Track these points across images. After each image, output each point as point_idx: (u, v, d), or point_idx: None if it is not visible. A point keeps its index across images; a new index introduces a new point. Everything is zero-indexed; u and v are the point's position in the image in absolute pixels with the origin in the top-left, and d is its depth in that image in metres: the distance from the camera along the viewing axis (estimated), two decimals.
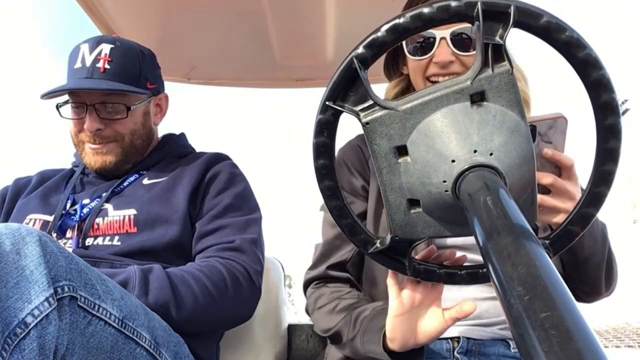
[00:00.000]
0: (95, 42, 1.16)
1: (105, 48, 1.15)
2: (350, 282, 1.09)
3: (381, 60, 1.11)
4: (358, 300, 1.01)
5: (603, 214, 0.66)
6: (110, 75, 1.14)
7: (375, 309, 0.92)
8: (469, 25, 0.95)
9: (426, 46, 0.94)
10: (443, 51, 0.93)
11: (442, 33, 0.92)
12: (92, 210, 1.13)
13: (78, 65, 1.15)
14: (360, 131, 0.58)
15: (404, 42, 0.97)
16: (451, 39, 0.92)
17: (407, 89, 1.09)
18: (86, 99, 1.15)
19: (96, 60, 1.14)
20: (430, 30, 0.93)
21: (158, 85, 1.27)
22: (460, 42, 0.92)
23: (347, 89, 0.57)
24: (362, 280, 1.11)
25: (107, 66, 1.14)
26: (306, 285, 1.14)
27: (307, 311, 1.14)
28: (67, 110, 1.18)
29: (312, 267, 1.14)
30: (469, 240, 0.96)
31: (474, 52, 0.86)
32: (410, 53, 0.98)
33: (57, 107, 1.18)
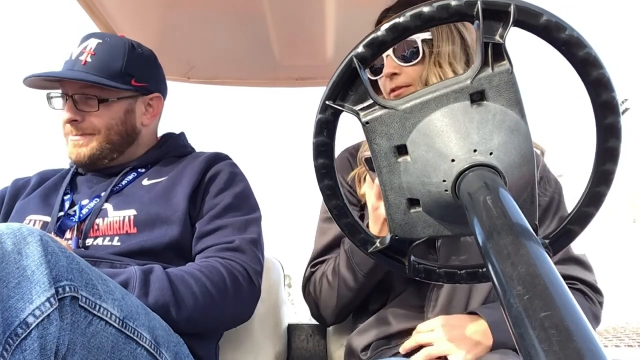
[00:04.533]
0: (86, 37, 1.20)
1: (92, 43, 1.18)
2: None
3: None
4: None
5: (602, 214, 0.66)
6: (89, 69, 1.15)
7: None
8: (414, 39, 1.00)
9: (380, 65, 1.03)
10: (388, 65, 1.02)
11: (388, 51, 1.00)
12: (92, 210, 1.13)
13: (68, 58, 1.18)
14: (360, 136, 0.58)
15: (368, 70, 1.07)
16: (394, 53, 1.01)
17: None
18: (68, 89, 1.17)
19: (81, 53, 1.17)
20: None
21: (149, 85, 1.24)
22: (403, 56, 1.01)
23: (347, 88, 0.57)
24: None
25: (89, 60, 1.16)
26: (303, 288, 1.21)
27: (312, 313, 1.20)
28: (58, 102, 1.20)
29: (304, 275, 1.21)
30: None
31: (416, 62, 0.99)
32: (372, 74, 1.06)
33: (48, 97, 1.20)
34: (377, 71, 1.05)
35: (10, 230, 0.67)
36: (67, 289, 0.68)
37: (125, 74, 1.19)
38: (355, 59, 0.56)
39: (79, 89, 1.16)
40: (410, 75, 1.00)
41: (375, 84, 1.13)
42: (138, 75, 1.22)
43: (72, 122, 1.16)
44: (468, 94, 0.53)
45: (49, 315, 0.65)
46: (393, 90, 1.02)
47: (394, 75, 1.01)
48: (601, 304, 1.07)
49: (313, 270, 1.18)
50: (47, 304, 0.65)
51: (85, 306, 0.71)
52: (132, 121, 1.23)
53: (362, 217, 1.15)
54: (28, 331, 0.63)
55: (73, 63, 1.16)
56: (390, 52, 1.00)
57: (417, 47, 1.00)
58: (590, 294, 1.06)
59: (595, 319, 1.05)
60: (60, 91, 1.19)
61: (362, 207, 1.15)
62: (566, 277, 1.07)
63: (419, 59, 1.00)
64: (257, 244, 1.13)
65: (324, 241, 1.17)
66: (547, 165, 1.10)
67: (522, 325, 0.32)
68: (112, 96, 1.18)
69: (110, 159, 1.22)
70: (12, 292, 0.64)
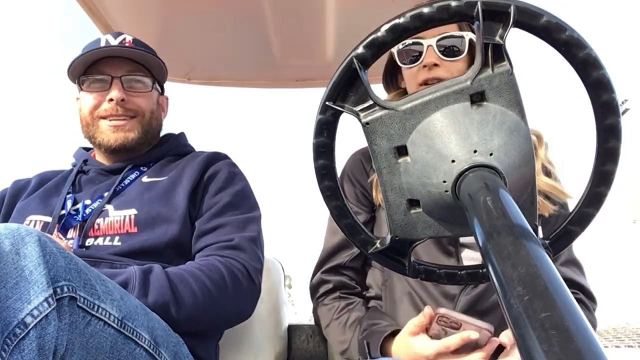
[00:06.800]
0: (117, 33, 1.24)
1: (128, 37, 1.23)
2: (344, 285, 1.17)
3: (381, 61, 1.14)
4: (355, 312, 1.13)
5: (602, 214, 0.66)
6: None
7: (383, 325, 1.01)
8: (456, 32, 1.01)
9: (416, 55, 1.04)
10: (429, 55, 1.02)
11: (428, 41, 1.02)
12: (94, 210, 1.13)
13: (103, 44, 1.20)
14: (361, 137, 0.58)
15: (396, 55, 1.07)
16: (437, 45, 1.01)
17: None
18: (111, 72, 1.19)
19: (122, 43, 1.21)
20: (419, 40, 1.02)
21: (163, 86, 1.33)
22: (445, 49, 1.01)
23: (347, 89, 0.57)
24: (365, 284, 1.19)
25: (133, 46, 1.21)
26: (311, 295, 1.24)
27: (316, 323, 1.25)
28: (87, 86, 1.22)
29: (312, 276, 1.23)
30: None
31: (458, 58, 1.00)
32: (403, 63, 1.07)
33: (80, 80, 1.21)
34: (412, 60, 1.05)
35: (8, 230, 0.67)
36: (65, 289, 0.68)
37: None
38: (355, 60, 0.56)
39: (126, 71, 1.20)
40: (449, 70, 1.02)
41: (393, 74, 1.17)
42: (161, 75, 1.30)
43: (120, 101, 1.18)
44: (468, 94, 0.53)
45: (46, 315, 0.65)
46: (426, 81, 1.03)
47: (434, 65, 1.02)
48: (595, 310, 1.10)
49: (325, 278, 1.19)
50: (45, 304, 0.65)
51: (84, 306, 0.71)
52: (159, 112, 1.30)
53: (373, 219, 1.16)
54: (26, 331, 0.63)
55: (118, 46, 1.19)
56: (432, 42, 1.01)
57: (464, 45, 1.01)
58: (587, 302, 1.09)
59: (593, 329, 1.08)
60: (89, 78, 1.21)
61: (373, 208, 1.16)
62: (566, 280, 1.09)
63: (462, 55, 1.01)
64: (256, 242, 1.14)
65: (334, 241, 1.19)
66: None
67: (522, 325, 0.32)
68: (153, 81, 1.25)
69: (148, 144, 1.26)
70: (9, 292, 0.64)
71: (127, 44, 1.20)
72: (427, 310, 0.88)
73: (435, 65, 1.01)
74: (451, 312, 0.87)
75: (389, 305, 1.09)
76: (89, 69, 1.21)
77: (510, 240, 0.39)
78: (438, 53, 1.01)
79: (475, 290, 1.01)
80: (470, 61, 1.03)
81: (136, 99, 1.21)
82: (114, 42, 1.20)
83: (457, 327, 0.86)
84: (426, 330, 0.89)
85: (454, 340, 0.84)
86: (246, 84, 1.90)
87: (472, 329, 0.85)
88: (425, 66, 1.02)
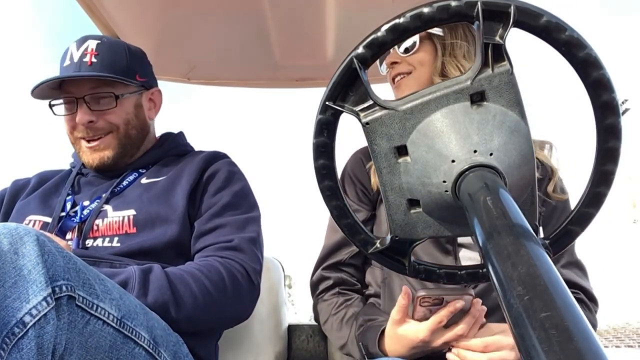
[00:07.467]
0: (81, 40, 1.19)
1: (92, 44, 1.17)
2: (344, 281, 1.18)
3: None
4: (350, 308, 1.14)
5: (602, 214, 0.66)
6: (98, 68, 1.15)
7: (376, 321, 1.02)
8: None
9: (383, 57, 1.15)
10: (390, 56, 1.13)
11: None
12: (92, 211, 1.13)
13: (67, 63, 1.16)
14: (361, 137, 0.58)
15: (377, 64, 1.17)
16: (398, 46, 1.11)
17: None
18: (75, 92, 1.16)
19: (83, 55, 1.16)
20: None
21: (149, 80, 1.28)
22: (404, 47, 1.11)
23: (347, 89, 0.57)
24: (364, 282, 1.18)
25: (94, 60, 1.15)
26: (311, 292, 1.24)
27: (316, 320, 1.25)
28: (61, 109, 1.19)
29: (312, 273, 1.24)
30: None
31: (413, 51, 1.09)
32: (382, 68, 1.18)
33: (50, 105, 1.19)
34: (382, 61, 1.16)
35: (7, 229, 0.67)
36: (64, 288, 0.68)
37: (131, 69, 1.21)
38: (355, 60, 0.56)
39: (89, 89, 1.16)
40: (410, 63, 1.10)
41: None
42: (140, 71, 1.24)
43: (88, 123, 1.15)
44: (468, 94, 0.53)
45: (45, 315, 0.65)
46: (394, 78, 1.13)
47: (393, 63, 1.12)
48: (596, 312, 1.11)
49: (325, 274, 1.19)
50: (44, 303, 0.65)
51: (82, 305, 0.71)
52: (142, 115, 1.25)
53: (374, 217, 1.16)
54: (25, 330, 0.63)
55: (78, 65, 1.15)
56: None
57: (415, 40, 1.09)
58: (588, 303, 1.09)
59: (594, 329, 1.08)
60: (60, 99, 1.17)
61: (374, 207, 1.17)
62: (567, 282, 1.09)
63: (415, 49, 1.09)
64: (256, 242, 1.13)
65: (335, 238, 1.19)
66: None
67: (522, 325, 0.32)
68: (124, 91, 1.20)
69: (130, 155, 1.23)
70: (8, 292, 0.64)
71: (88, 54, 1.15)
72: (405, 290, 0.88)
73: (395, 62, 1.12)
74: (430, 291, 0.88)
75: (388, 303, 1.09)
76: (57, 89, 1.18)
77: (510, 240, 0.39)
78: (398, 51, 1.11)
79: (476, 290, 1.01)
80: (430, 49, 1.10)
81: (105, 116, 1.17)
82: (76, 54, 1.16)
83: (439, 302, 0.87)
84: (412, 316, 0.89)
85: (443, 314, 0.86)
86: (246, 84, 1.89)
87: (455, 298, 0.86)
88: (387, 65, 1.13)
